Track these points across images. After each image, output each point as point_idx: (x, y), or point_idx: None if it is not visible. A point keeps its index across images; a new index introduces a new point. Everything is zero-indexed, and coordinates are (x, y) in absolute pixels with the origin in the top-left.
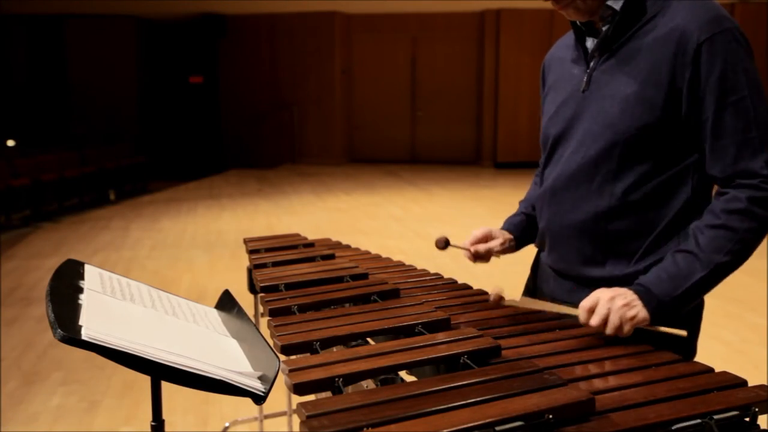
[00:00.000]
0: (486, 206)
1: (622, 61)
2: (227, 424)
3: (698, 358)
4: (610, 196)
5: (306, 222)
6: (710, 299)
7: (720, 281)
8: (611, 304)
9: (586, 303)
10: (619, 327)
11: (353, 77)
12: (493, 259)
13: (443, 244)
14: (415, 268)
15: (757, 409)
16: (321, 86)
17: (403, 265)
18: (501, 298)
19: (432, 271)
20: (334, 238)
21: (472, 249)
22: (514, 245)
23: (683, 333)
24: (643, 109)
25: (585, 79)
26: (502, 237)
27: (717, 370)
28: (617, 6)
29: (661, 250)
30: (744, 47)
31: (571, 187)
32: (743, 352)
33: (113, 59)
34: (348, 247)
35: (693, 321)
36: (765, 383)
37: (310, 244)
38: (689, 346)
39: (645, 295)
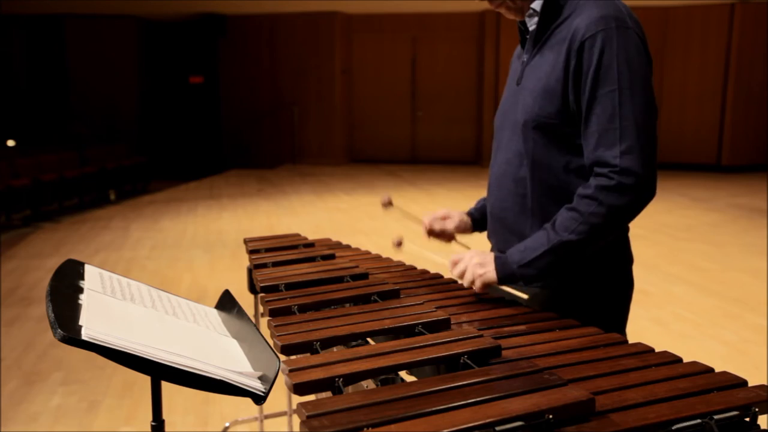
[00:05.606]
0: None
1: (541, 57)
2: (227, 424)
3: (698, 359)
4: (531, 182)
5: (306, 222)
6: (710, 299)
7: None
8: (470, 262)
9: (454, 257)
10: (472, 281)
11: (353, 77)
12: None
13: (387, 203)
14: (415, 268)
15: (757, 409)
16: (321, 86)
17: (403, 265)
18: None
19: (432, 271)
20: (334, 238)
21: (426, 222)
22: (470, 227)
23: (524, 296)
24: (548, 100)
25: (520, 73)
26: (458, 219)
27: (717, 370)
28: (538, 7)
29: None
30: (633, 44)
31: (503, 174)
32: (743, 352)
33: (113, 59)
34: (348, 247)
35: (619, 306)
36: (765, 383)
37: (310, 244)
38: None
39: (499, 260)
